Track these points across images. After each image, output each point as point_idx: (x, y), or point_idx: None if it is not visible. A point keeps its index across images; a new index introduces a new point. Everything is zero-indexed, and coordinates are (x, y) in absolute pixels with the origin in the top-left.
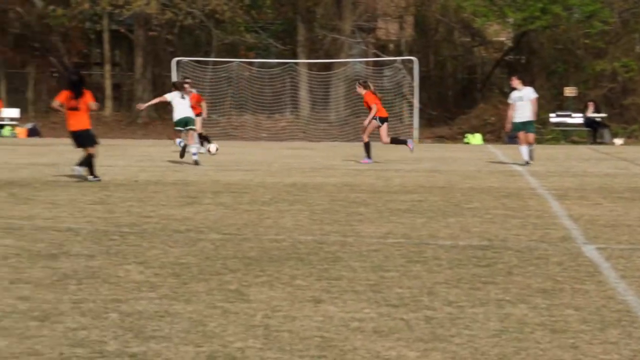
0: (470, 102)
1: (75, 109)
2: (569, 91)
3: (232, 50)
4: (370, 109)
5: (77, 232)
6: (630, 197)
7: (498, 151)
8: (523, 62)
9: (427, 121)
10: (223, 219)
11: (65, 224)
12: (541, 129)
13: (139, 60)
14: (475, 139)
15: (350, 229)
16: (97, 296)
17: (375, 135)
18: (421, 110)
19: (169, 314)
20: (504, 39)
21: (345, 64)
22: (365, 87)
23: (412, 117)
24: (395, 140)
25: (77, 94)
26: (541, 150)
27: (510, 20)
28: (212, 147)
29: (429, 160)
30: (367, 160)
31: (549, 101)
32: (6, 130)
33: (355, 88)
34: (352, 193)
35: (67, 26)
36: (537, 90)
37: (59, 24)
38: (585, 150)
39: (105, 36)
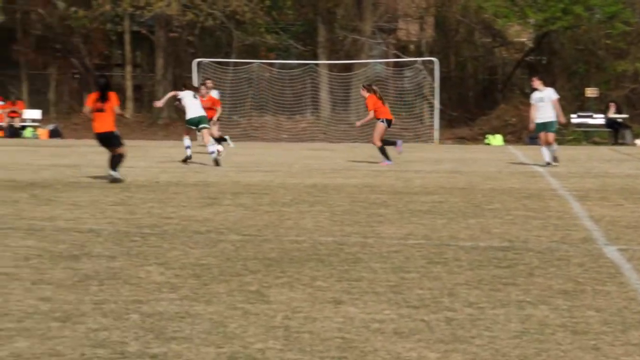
0: (491, 103)
1: (100, 110)
2: (590, 92)
3: (252, 52)
4: (374, 111)
5: (98, 233)
6: None
7: (519, 152)
8: (544, 63)
9: (448, 122)
10: (243, 220)
11: (87, 225)
12: (562, 130)
13: (159, 62)
14: (496, 140)
15: (371, 230)
16: (118, 297)
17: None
18: (442, 111)
19: (189, 315)
20: (525, 39)
21: (365, 64)
22: (369, 90)
23: (432, 118)
24: (386, 143)
25: (103, 96)
26: (562, 151)
27: (532, 20)
28: (219, 146)
29: (449, 162)
30: (386, 162)
31: (570, 102)
32: (28, 132)
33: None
34: (373, 194)
35: (88, 28)
36: (558, 91)
37: (81, 26)
38: (607, 151)
39: (127, 37)
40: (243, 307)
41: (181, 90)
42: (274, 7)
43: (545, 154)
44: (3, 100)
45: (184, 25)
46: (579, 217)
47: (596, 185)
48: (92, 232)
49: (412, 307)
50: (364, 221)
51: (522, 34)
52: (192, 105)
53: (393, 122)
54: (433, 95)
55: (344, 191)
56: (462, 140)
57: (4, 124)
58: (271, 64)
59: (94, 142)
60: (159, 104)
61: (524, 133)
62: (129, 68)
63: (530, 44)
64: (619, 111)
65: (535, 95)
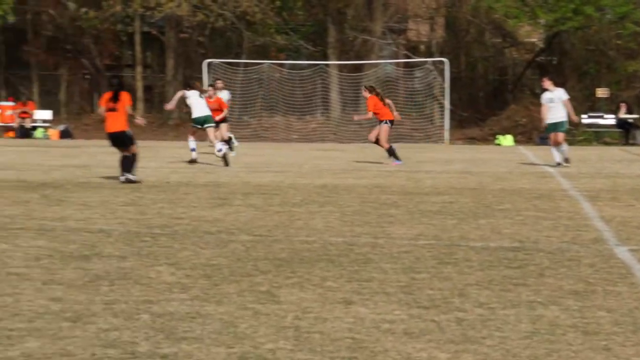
0: (501, 103)
1: (113, 110)
2: (601, 92)
3: (263, 52)
4: (375, 112)
5: (109, 233)
6: None
7: (529, 152)
8: (555, 63)
9: (458, 122)
10: (254, 220)
11: (97, 226)
12: (573, 130)
13: (170, 62)
14: (507, 140)
15: (381, 230)
16: (128, 297)
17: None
18: (452, 112)
19: (200, 315)
20: (535, 40)
21: (376, 65)
22: (371, 91)
23: (442, 118)
24: (391, 151)
25: (115, 96)
26: (573, 151)
27: (542, 21)
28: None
29: (459, 162)
30: (396, 162)
31: (581, 102)
32: (39, 132)
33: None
34: (383, 194)
35: (99, 28)
36: (568, 91)
37: (91, 26)
38: (618, 151)
39: (137, 38)
40: (253, 308)
41: (187, 89)
42: (285, 7)
43: (556, 154)
44: (14, 101)
45: (195, 26)
46: (589, 217)
47: (607, 186)
48: (103, 233)
49: (422, 307)
50: (374, 222)
51: (532, 35)
52: (198, 105)
53: (395, 121)
54: (443, 95)
55: (355, 192)
56: (472, 140)
57: (15, 124)
58: (281, 65)
59: (105, 143)
60: (170, 106)
61: (534, 133)
62: (139, 69)
63: (540, 45)
64: (629, 111)
65: (545, 96)
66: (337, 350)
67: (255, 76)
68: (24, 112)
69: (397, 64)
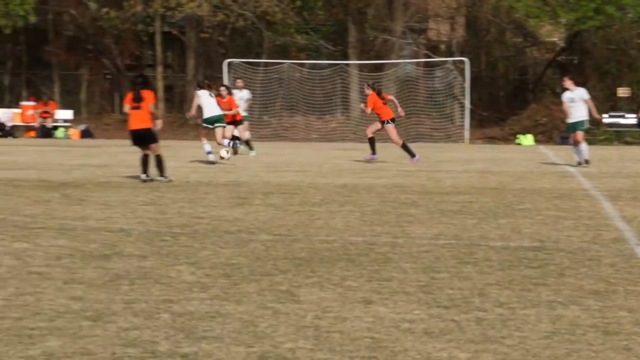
0: (521, 102)
1: (137, 108)
2: (622, 92)
3: (283, 52)
4: (374, 109)
5: (129, 232)
6: None
7: (550, 152)
8: (575, 63)
9: (478, 122)
10: (274, 219)
11: (118, 225)
12: (594, 130)
13: (190, 62)
14: (527, 139)
15: (401, 230)
16: (149, 296)
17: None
18: (472, 111)
19: (220, 315)
20: (556, 39)
21: (396, 65)
22: (373, 89)
23: (463, 118)
24: (406, 147)
25: (138, 95)
26: (594, 151)
27: (563, 20)
28: (223, 151)
29: (480, 161)
30: (414, 159)
31: (602, 102)
32: (60, 132)
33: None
34: (403, 194)
35: (120, 28)
36: (589, 91)
37: (112, 26)
38: (639, 151)
39: (158, 38)
40: (273, 307)
41: (197, 89)
42: (305, 7)
43: (577, 154)
44: (35, 101)
45: (215, 26)
46: (610, 217)
47: (628, 186)
48: (123, 232)
49: (442, 307)
50: (394, 221)
51: (553, 34)
52: (209, 105)
53: (395, 119)
54: (464, 95)
55: (374, 191)
56: (492, 140)
57: (36, 124)
58: (302, 64)
59: (125, 142)
60: (192, 113)
61: (555, 133)
62: (160, 68)
63: (561, 44)
64: None
65: (566, 95)
66: (357, 349)
67: (275, 76)
68: (45, 112)
69: (418, 64)
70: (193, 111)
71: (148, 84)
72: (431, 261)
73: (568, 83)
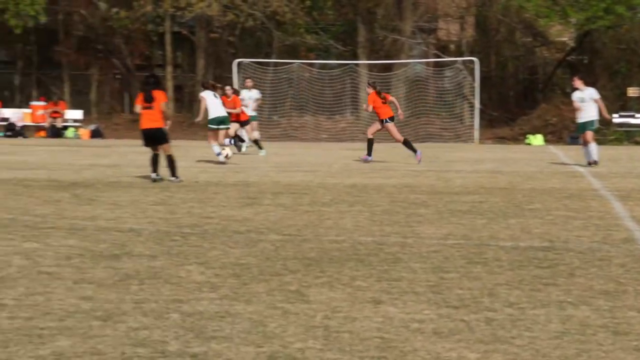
0: (531, 102)
1: (149, 108)
2: (633, 91)
3: (292, 52)
4: (374, 108)
5: (139, 232)
6: None
7: (560, 152)
8: (585, 63)
9: (488, 122)
10: (283, 219)
11: (128, 225)
12: (604, 130)
13: (200, 62)
14: (537, 139)
15: (410, 230)
16: (158, 296)
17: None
18: (482, 111)
19: (229, 315)
20: (566, 39)
21: (405, 64)
22: (373, 87)
23: (472, 117)
24: (407, 144)
25: (150, 94)
26: (604, 151)
27: (573, 20)
28: (227, 151)
29: (490, 161)
30: (418, 156)
31: (612, 102)
32: (70, 132)
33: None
34: (412, 194)
35: (129, 28)
36: (599, 90)
37: (122, 26)
38: None
39: (167, 38)
40: (283, 307)
41: (201, 90)
42: (314, 7)
43: (587, 153)
44: (45, 101)
45: (225, 26)
46: (620, 217)
47: (638, 186)
48: (133, 232)
49: (451, 307)
50: (403, 221)
51: (563, 34)
52: (214, 105)
53: (393, 118)
54: (473, 95)
55: (384, 191)
56: (502, 140)
57: (46, 124)
58: (311, 64)
59: (135, 142)
60: (200, 118)
61: (565, 133)
62: (169, 68)
63: (571, 44)
64: None
65: (576, 95)
66: (367, 349)
67: (285, 76)
68: (55, 112)
69: (427, 64)
70: (201, 116)
71: (160, 84)
72: (440, 261)
73: (578, 83)
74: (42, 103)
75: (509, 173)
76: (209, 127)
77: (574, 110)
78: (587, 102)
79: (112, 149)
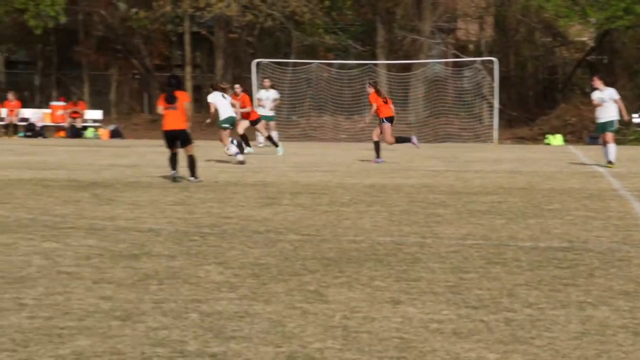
0: (551, 102)
1: (172, 108)
2: None
3: (311, 52)
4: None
5: (158, 232)
6: None
7: (579, 152)
8: (605, 62)
9: (507, 122)
10: (302, 219)
11: (147, 225)
12: (624, 130)
13: (219, 62)
14: (556, 139)
15: (429, 230)
16: (177, 296)
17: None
18: (501, 111)
19: (248, 315)
20: (585, 39)
21: (424, 64)
22: (374, 87)
23: (492, 118)
24: (400, 139)
25: (172, 95)
26: (623, 151)
27: (592, 20)
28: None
29: (509, 162)
30: (378, 160)
31: (632, 102)
32: (89, 132)
33: (366, 88)
34: (431, 194)
35: (149, 29)
36: (619, 90)
37: (142, 27)
38: None
39: (187, 38)
40: (301, 307)
41: (209, 92)
42: (333, 7)
43: (606, 153)
44: (65, 101)
45: (244, 26)
46: None
47: None
48: (152, 232)
49: (471, 307)
50: (422, 221)
51: (583, 33)
52: (223, 106)
53: (393, 119)
54: (492, 95)
55: (402, 191)
56: (521, 140)
57: (66, 124)
58: (330, 64)
59: (154, 143)
60: (210, 120)
61: (584, 133)
62: (188, 69)
63: (591, 43)
64: None
65: (595, 95)
66: (385, 349)
67: (303, 76)
68: (75, 112)
69: (446, 64)
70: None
71: (181, 84)
72: (460, 261)
73: (598, 83)
74: (61, 103)
75: (528, 173)
76: (224, 127)
77: (593, 110)
78: (606, 103)
79: (132, 149)
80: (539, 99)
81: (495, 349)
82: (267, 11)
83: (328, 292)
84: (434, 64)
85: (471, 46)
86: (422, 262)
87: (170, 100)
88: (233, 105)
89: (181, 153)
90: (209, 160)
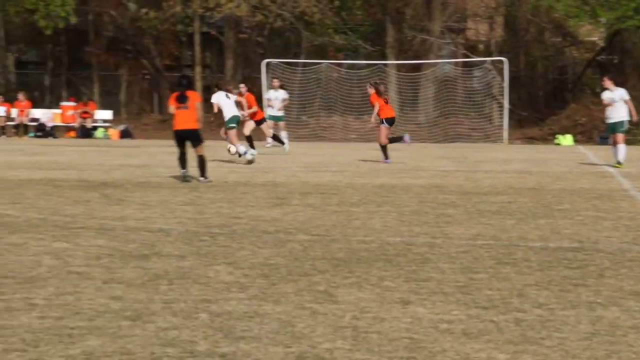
0: (561, 102)
1: (183, 108)
2: None
3: (321, 52)
4: (373, 107)
5: (168, 232)
6: None
7: (589, 152)
8: (615, 62)
9: (517, 122)
10: (312, 220)
11: (157, 225)
12: (634, 130)
13: (229, 62)
14: (566, 140)
15: (439, 230)
16: (187, 296)
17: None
18: (511, 111)
19: (258, 315)
20: (595, 38)
21: (434, 64)
22: (375, 88)
23: (501, 118)
24: (392, 140)
25: (184, 94)
26: (633, 151)
27: (603, 20)
28: (232, 148)
29: (519, 162)
30: (387, 161)
31: None
32: (99, 132)
33: (367, 88)
34: (441, 194)
35: (159, 29)
36: (629, 90)
37: (151, 27)
38: None
39: (196, 38)
40: (311, 307)
41: (214, 91)
42: (343, 7)
43: (615, 154)
44: (75, 101)
45: (253, 26)
46: None
47: None
48: (162, 232)
49: (481, 307)
50: (432, 221)
51: (593, 33)
52: (227, 106)
53: (394, 120)
54: (502, 95)
55: (412, 191)
56: (531, 140)
57: (76, 124)
58: (340, 64)
59: (164, 143)
60: (212, 118)
61: (594, 133)
62: (198, 69)
63: (601, 43)
64: None
65: (605, 95)
66: (395, 350)
67: (313, 76)
68: (85, 112)
69: (456, 64)
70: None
71: (192, 84)
72: (469, 262)
73: (608, 83)
74: (72, 103)
75: (538, 173)
76: (230, 127)
77: (603, 110)
78: (617, 103)
79: (142, 149)
80: (549, 99)
81: (505, 349)
82: (276, 11)
83: (338, 293)
84: (443, 64)
85: (481, 46)
86: (431, 262)
87: (182, 99)
88: (240, 105)
89: (191, 153)
90: (228, 161)
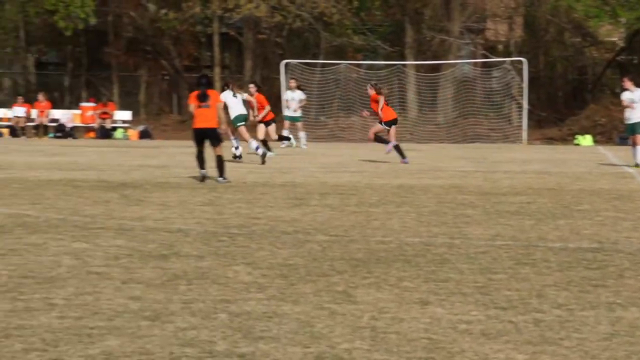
0: (580, 103)
1: (204, 106)
2: None
3: (340, 53)
4: (375, 109)
5: (187, 233)
6: None
7: (609, 153)
8: (635, 63)
9: (537, 122)
10: (330, 220)
11: (176, 225)
12: None
13: (248, 63)
14: (586, 140)
15: (458, 231)
16: (206, 296)
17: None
18: (530, 112)
19: (276, 315)
20: (615, 39)
21: (453, 65)
22: (375, 89)
23: (521, 118)
24: (378, 139)
25: (205, 93)
26: None
27: (623, 20)
28: (238, 150)
29: (538, 162)
30: (403, 160)
31: None
32: (119, 133)
33: (367, 89)
34: (460, 195)
35: (178, 30)
36: None
37: (171, 28)
38: None
39: (216, 39)
40: (330, 307)
41: (223, 90)
42: (362, 8)
43: (635, 155)
44: (95, 102)
45: (272, 27)
46: None
47: None
48: (181, 232)
49: (499, 308)
50: (450, 222)
51: (613, 33)
52: (234, 105)
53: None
54: (522, 95)
55: (431, 192)
56: (551, 140)
57: (95, 125)
58: (358, 65)
59: (183, 143)
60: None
61: (614, 133)
62: (217, 69)
63: (621, 44)
64: None
65: (625, 96)
66: (414, 350)
67: (332, 76)
68: (105, 113)
69: (475, 64)
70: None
71: (212, 84)
72: (488, 262)
73: (628, 84)
74: (91, 104)
75: (558, 174)
76: (237, 126)
77: (623, 110)
78: (637, 104)
79: (161, 149)
80: (568, 100)
81: (524, 350)
82: (295, 12)
83: (356, 293)
84: (462, 64)
85: (500, 46)
86: (450, 262)
87: (203, 98)
88: (250, 105)
89: (209, 153)
90: (246, 162)
